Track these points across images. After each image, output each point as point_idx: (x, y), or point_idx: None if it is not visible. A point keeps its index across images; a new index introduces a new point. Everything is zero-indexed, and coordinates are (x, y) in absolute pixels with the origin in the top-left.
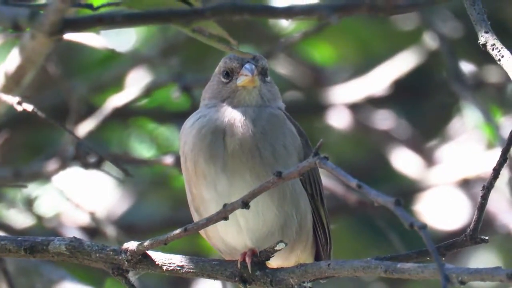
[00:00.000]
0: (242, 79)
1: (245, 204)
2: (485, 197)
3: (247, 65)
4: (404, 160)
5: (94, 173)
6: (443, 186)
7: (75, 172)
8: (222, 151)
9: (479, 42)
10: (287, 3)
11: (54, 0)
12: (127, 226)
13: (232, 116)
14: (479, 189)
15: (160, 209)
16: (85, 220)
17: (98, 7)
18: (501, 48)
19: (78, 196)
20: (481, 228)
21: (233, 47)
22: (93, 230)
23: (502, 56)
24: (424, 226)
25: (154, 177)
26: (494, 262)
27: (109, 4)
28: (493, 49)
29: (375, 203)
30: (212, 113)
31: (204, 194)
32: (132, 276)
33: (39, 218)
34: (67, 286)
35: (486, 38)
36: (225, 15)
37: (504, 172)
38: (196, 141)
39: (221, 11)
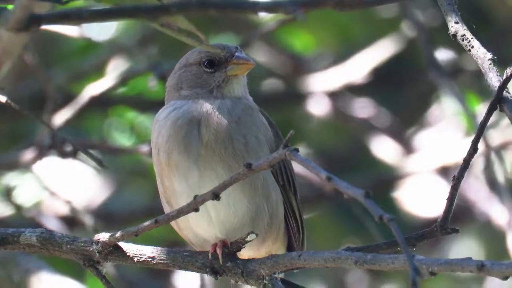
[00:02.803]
0: (234, 68)
1: (215, 195)
2: (455, 188)
3: (239, 53)
4: (383, 148)
5: (73, 163)
6: (422, 173)
7: (54, 161)
8: (196, 142)
9: (449, 33)
10: None
11: None
12: (106, 215)
13: (209, 107)
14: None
15: (139, 198)
16: (64, 209)
17: (67, 2)
18: (471, 38)
19: (58, 185)
20: (459, 216)
21: (202, 41)
22: (72, 220)
23: (472, 47)
24: (393, 219)
25: (134, 166)
26: (475, 250)
27: None
28: (463, 40)
29: (345, 195)
30: (188, 105)
31: (175, 186)
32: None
33: (18, 207)
34: (44, 277)
35: (456, 29)
36: (191, 11)
37: (481, 160)
38: (171, 133)
39: (187, 7)
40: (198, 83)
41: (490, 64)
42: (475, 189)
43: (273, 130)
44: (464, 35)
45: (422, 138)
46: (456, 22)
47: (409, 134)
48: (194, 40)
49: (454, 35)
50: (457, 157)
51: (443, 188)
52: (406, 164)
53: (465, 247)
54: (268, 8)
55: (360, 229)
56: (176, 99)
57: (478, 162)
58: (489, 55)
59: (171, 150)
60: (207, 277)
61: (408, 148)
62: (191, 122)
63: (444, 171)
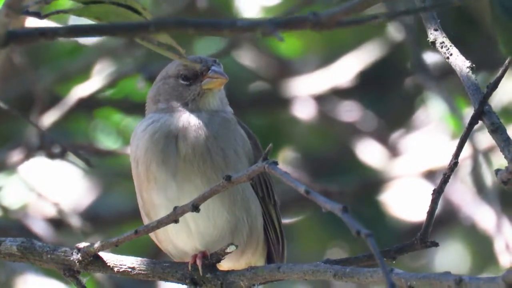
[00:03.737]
0: (209, 82)
1: (195, 207)
2: (435, 201)
3: (216, 68)
4: (369, 151)
5: (60, 165)
6: (408, 177)
7: (41, 163)
8: (174, 156)
9: (428, 40)
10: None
11: None
12: (93, 217)
13: (186, 121)
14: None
15: (126, 200)
16: (51, 211)
17: (47, 15)
18: (450, 46)
19: (45, 187)
20: (446, 220)
21: (181, 55)
22: (59, 222)
23: (451, 54)
24: (370, 234)
25: (120, 169)
26: (461, 253)
27: (57, 12)
28: (441, 47)
29: (323, 209)
30: (165, 118)
31: (154, 199)
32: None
33: (4, 209)
34: (29, 278)
35: (435, 36)
36: (169, 30)
37: (467, 163)
38: (149, 146)
39: (165, 25)
40: (174, 96)
41: (468, 72)
42: (461, 193)
43: (252, 142)
44: (443, 42)
45: (408, 142)
46: (435, 29)
47: (395, 137)
48: (174, 54)
49: (433, 42)
50: (443, 160)
51: (429, 191)
52: (392, 167)
53: (451, 251)
54: (246, 28)
55: (344, 234)
56: (154, 112)
57: (464, 165)
58: (468, 63)
59: (149, 163)
60: None
61: (394, 151)
62: (168, 136)
63: (430, 175)
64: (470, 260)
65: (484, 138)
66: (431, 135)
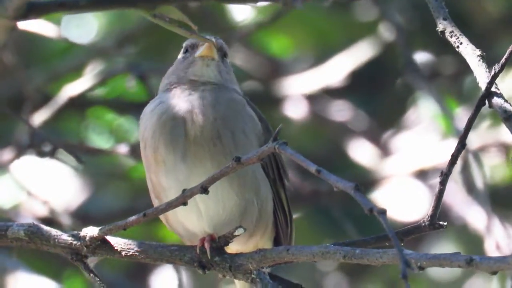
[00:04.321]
0: (200, 49)
1: (204, 189)
2: (443, 183)
3: (207, 36)
4: (361, 151)
5: (51, 164)
6: (399, 176)
7: (32, 162)
8: (182, 138)
9: (438, 29)
10: None
11: None
12: (84, 217)
13: (190, 101)
14: (436, 180)
15: (117, 200)
16: (42, 210)
17: None
18: (460, 35)
19: (36, 186)
20: (437, 219)
21: (193, 32)
22: (50, 221)
23: (461, 43)
24: (383, 211)
25: (112, 168)
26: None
27: None
28: (451, 36)
29: (334, 188)
30: (170, 99)
31: (163, 182)
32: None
33: None
34: (21, 276)
35: (445, 25)
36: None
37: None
38: (157, 128)
39: None
40: (176, 71)
41: (479, 60)
42: (452, 193)
43: (263, 125)
44: (453, 31)
45: (399, 141)
46: (445, 19)
47: (387, 137)
48: (185, 31)
49: (443, 32)
50: (435, 160)
51: (421, 191)
52: (384, 167)
53: (443, 250)
54: None
55: (337, 233)
56: (162, 91)
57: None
58: (478, 52)
59: (157, 145)
60: (184, 278)
61: (385, 151)
62: (175, 117)
63: (421, 174)
64: None
65: (475, 138)
66: (422, 135)
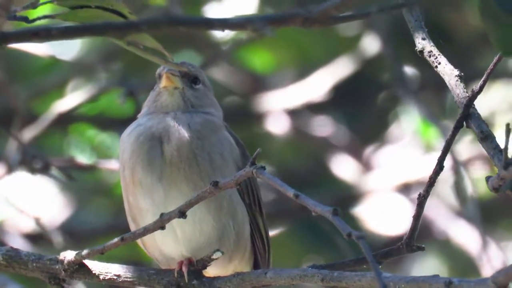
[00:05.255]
0: (162, 80)
1: (182, 213)
2: (421, 205)
3: (169, 67)
4: (343, 166)
5: (36, 180)
6: (383, 191)
7: (18, 178)
8: (159, 159)
9: (416, 49)
10: (221, 13)
11: None
12: (68, 233)
13: (166, 122)
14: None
15: (101, 216)
16: (28, 226)
17: (33, 20)
18: (438, 55)
19: (21, 203)
20: (419, 235)
21: (168, 59)
22: (37, 237)
23: (439, 63)
24: (362, 236)
25: (96, 185)
26: (436, 267)
27: (44, 17)
28: (429, 56)
29: (313, 212)
30: (147, 121)
31: (140, 203)
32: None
33: None
34: None
35: (423, 45)
36: (160, 28)
37: (449, 176)
38: (135, 149)
39: (156, 24)
40: (148, 101)
41: (457, 80)
42: (434, 207)
43: (241, 150)
44: (431, 51)
45: (381, 156)
46: (423, 39)
47: (369, 152)
48: (160, 59)
49: (421, 51)
50: (417, 174)
51: (404, 205)
52: (366, 181)
53: (427, 265)
54: (237, 25)
55: (327, 247)
56: (141, 117)
57: (442, 178)
58: (456, 72)
59: (135, 166)
60: None
61: (367, 166)
62: (153, 138)
63: (404, 189)
64: (447, 274)
65: (463, 150)
66: (405, 149)
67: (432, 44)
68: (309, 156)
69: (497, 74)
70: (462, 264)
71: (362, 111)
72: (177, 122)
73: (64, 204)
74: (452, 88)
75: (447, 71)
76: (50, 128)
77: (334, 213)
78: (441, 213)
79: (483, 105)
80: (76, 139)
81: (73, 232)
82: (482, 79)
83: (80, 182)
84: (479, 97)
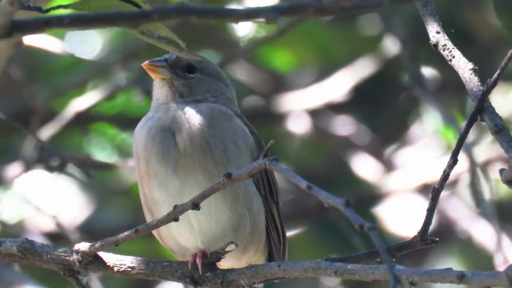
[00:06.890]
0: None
1: (195, 205)
2: (435, 199)
3: (156, 58)
4: (363, 166)
5: (56, 180)
6: (403, 191)
7: (38, 177)
8: (173, 149)
9: (431, 42)
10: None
11: (2, 3)
12: (89, 232)
13: (170, 113)
14: (440, 195)
15: (121, 215)
16: (48, 225)
17: (47, 10)
18: (452, 48)
19: (41, 201)
20: (441, 234)
21: (182, 49)
22: (57, 236)
23: (453, 57)
24: (373, 227)
25: (116, 183)
26: (457, 267)
27: (58, 7)
28: (444, 50)
29: (325, 204)
30: (154, 114)
31: (155, 195)
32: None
33: (2, 224)
34: None
35: (437, 39)
36: (171, 17)
37: (466, 177)
38: (148, 141)
39: (168, 13)
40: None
41: (471, 74)
42: (457, 207)
43: (255, 139)
44: (445, 45)
45: (402, 156)
46: (438, 32)
47: (390, 152)
48: (174, 48)
49: (435, 45)
50: (438, 175)
51: (424, 206)
52: (387, 182)
53: (447, 264)
54: (248, 15)
55: (344, 247)
56: (151, 110)
57: (461, 180)
58: (470, 65)
59: (149, 158)
60: None
61: (388, 166)
62: (164, 129)
63: (424, 189)
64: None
65: (481, 153)
66: (425, 150)
67: (446, 37)
68: (329, 156)
69: None
70: (483, 263)
71: (383, 111)
72: (182, 112)
73: (84, 203)
74: (466, 82)
75: (462, 64)
76: (69, 127)
77: (346, 205)
78: (463, 213)
79: (502, 106)
80: (96, 138)
81: (92, 232)
82: (497, 72)
83: (99, 181)
84: (498, 98)
